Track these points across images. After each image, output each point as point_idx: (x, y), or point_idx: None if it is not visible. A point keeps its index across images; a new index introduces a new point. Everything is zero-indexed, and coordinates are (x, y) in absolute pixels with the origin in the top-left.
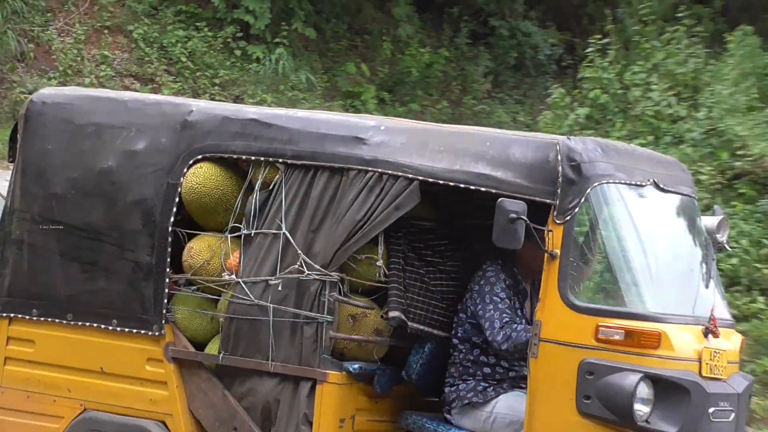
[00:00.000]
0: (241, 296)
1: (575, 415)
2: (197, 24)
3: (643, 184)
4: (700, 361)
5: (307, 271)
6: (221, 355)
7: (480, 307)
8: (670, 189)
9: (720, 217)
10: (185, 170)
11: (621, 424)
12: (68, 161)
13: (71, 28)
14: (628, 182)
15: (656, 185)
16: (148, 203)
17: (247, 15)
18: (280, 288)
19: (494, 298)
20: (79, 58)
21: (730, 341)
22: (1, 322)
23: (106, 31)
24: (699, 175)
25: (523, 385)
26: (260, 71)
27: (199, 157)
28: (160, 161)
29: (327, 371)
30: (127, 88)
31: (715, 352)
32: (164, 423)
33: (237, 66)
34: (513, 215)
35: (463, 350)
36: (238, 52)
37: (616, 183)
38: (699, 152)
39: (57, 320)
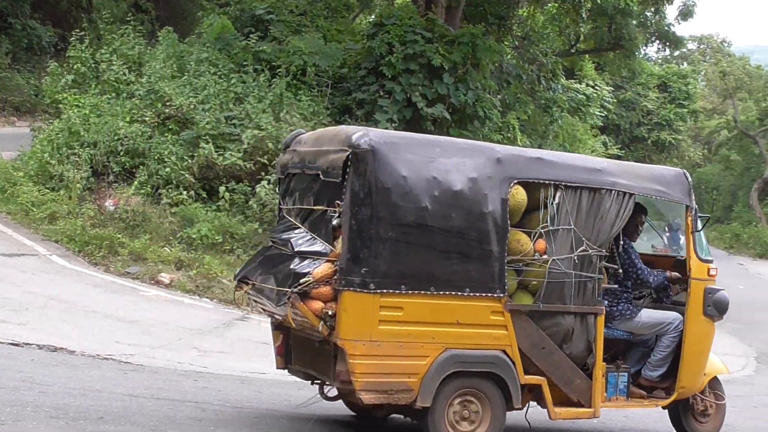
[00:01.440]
0: (554, 267)
1: (702, 315)
2: None
3: None
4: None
5: (591, 250)
6: (540, 304)
7: (630, 263)
8: None
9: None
10: (509, 190)
11: (718, 317)
12: (426, 185)
13: None
14: None
15: None
16: (494, 212)
17: None
18: (576, 260)
19: (638, 257)
20: None
21: None
22: (375, 297)
23: None
24: (144, 117)
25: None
26: None
27: (515, 181)
28: (493, 185)
29: (602, 308)
30: None
31: None
32: (504, 351)
33: None
34: (698, 216)
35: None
36: None
37: None
38: (144, 103)
39: (421, 291)
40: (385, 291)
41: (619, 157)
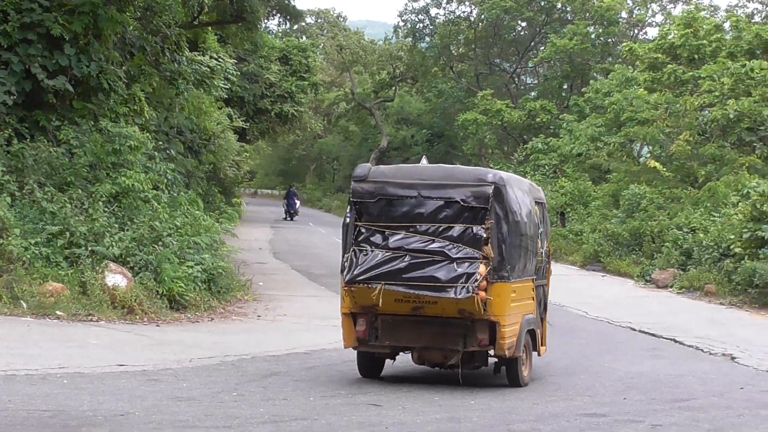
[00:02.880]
0: (544, 257)
1: None
2: None
3: None
4: None
5: (547, 245)
6: (541, 281)
7: None
8: None
9: None
10: (535, 207)
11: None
12: (522, 207)
13: None
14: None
15: None
16: (536, 223)
17: None
18: (545, 252)
19: None
20: None
21: None
22: (510, 284)
23: None
24: None
25: None
26: None
27: (536, 202)
28: (533, 204)
29: (546, 281)
30: None
31: None
32: (533, 314)
33: None
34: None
35: None
36: None
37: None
38: None
39: (521, 278)
40: (513, 280)
41: (244, 130)
